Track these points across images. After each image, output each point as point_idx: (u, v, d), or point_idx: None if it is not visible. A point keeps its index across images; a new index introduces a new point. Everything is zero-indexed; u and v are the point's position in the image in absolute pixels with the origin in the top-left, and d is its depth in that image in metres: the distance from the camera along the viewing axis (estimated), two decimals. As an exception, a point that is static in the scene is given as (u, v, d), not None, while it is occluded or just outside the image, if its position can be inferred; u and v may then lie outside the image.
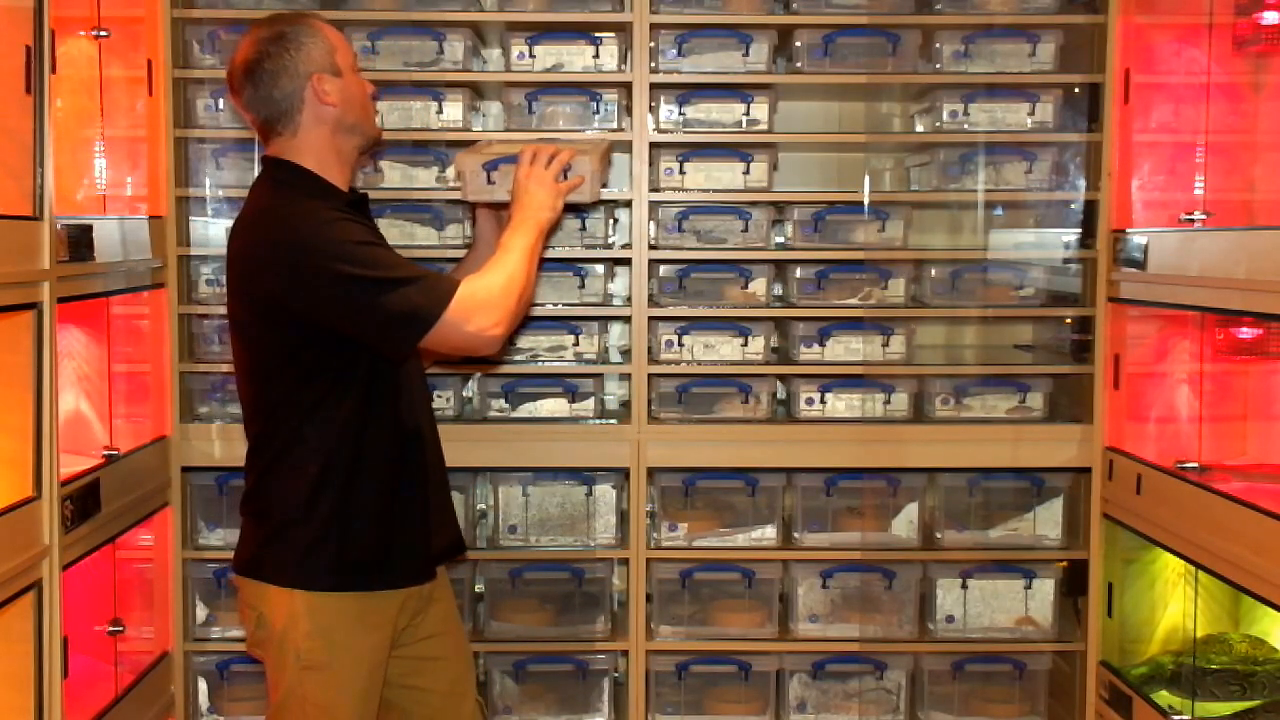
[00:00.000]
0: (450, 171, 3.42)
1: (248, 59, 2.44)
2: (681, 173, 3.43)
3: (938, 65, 3.44)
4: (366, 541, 2.43)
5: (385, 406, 2.43)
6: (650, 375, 3.41)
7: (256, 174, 2.58)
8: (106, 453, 3.03)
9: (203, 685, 3.48)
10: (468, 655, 2.73)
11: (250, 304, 2.42)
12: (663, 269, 3.45)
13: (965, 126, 3.44)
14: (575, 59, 3.41)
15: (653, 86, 3.37)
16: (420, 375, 2.59)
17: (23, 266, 2.56)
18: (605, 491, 3.48)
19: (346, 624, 2.42)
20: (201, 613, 3.47)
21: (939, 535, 3.51)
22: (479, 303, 2.32)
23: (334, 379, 2.39)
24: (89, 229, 2.85)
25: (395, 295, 2.28)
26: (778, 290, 3.58)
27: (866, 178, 3.55)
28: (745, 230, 3.47)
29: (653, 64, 3.36)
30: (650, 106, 3.38)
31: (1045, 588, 3.51)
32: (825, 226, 3.49)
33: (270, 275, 2.35)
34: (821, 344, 3.47)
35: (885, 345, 3.47)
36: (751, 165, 3.43)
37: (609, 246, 3.47)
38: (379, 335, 2.33)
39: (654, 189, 3.41)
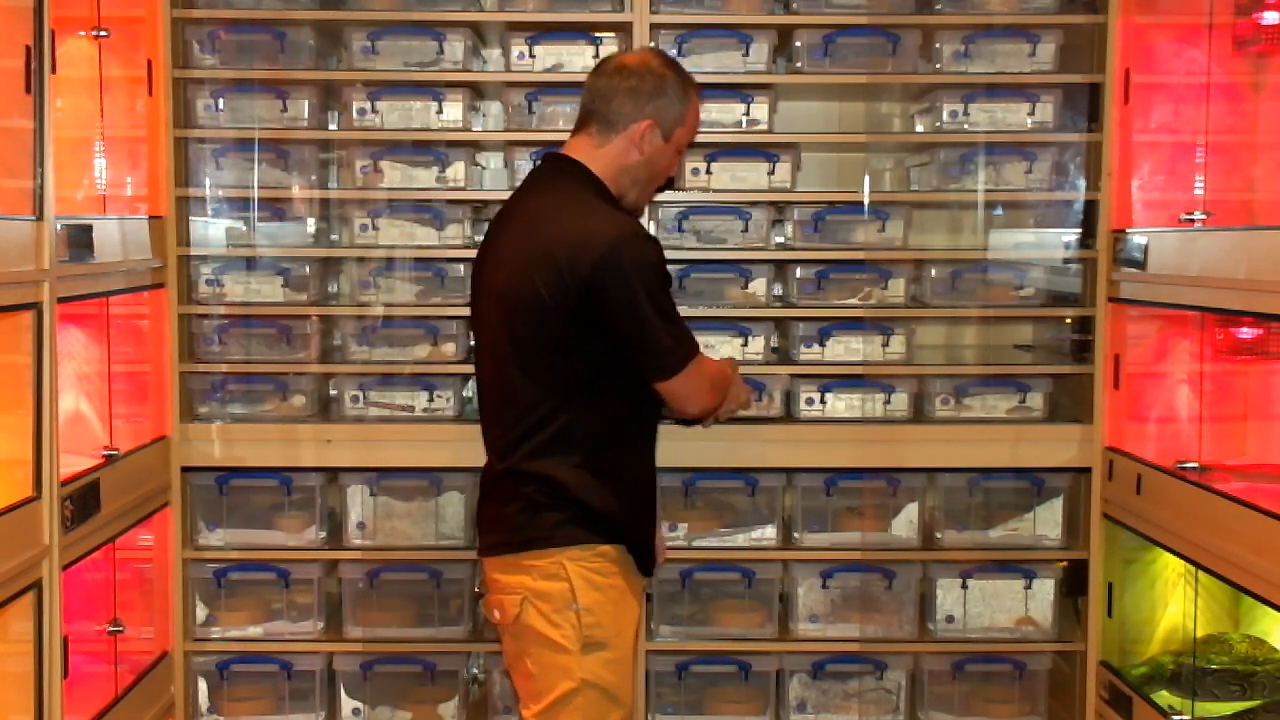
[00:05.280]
0: (450, 172, 3.42)
1: (632, 63, 2.62)
2: (708, 173, 3.43)
3: (938, 65, 3.44)
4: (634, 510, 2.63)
5: (642, 406, 2.63)
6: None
7: (538, 168, 2.77)
8: (106, 453, 3.03)
9: (203, 685, 3.48)
10: None
11: (561, 289, 2.47)
12: (663, 269, 3.45)
13: (965, 126, 3.44)
14: (575, 59, 3.41)
15: (653, 86, 3.37)
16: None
17: (23, 266, 2.56)
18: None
19: (616, 585, 2.54)
20: (201, 613, 3.47)
21: (939, 535, 3.51)
22: (720, 380, 2.69)
23: (610, 368, 2.54)
24: (89, 229, 2.85)
25: (673, 321, 2.55)
26: (778, 290, 3.58)
27: (866, 178, 3.55)
28: (745, 230, 3.47)
29: (653, 64, 3.36)
30: (650, 106, 3.38)
31: (1045, 588, 3.51)
32: (825, 226, 3.49)
33: (598, 267, 2.44)
34: (821, 344, 3.47)
35: (885, 345, 3.47)
36: (777, 166, 3.44)
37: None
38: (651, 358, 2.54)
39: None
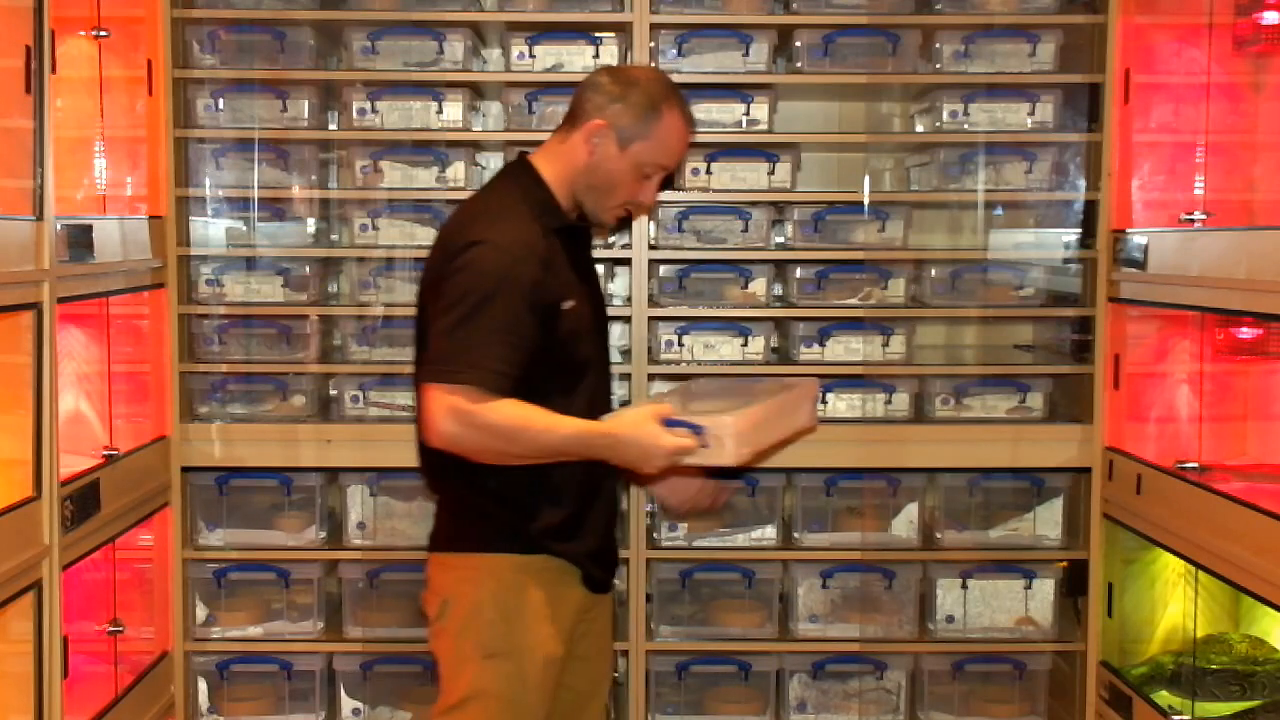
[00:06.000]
0: (450, 172, 3.42)
1: (618, 68, 2.54)
2: (709, 173, 3.43)
3: (938, 65, 3.44)
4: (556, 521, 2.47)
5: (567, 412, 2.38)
6: (650, 375, 3.41)
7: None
8: (106, 453, 3.03)
9: (203, 685, 3.48)
10: (610, 658, 2.74)
11: (434, 284, 2.41)
12: (663, 269, 3.46)
13: (965, 126, 3.44)
14: (575, 59, 3.41)
15: (653, 86, 3.37)
16: (605, 405, 2.57)
17: (23, 266, 2.56)
18: (605, 491, 3.48)
19: (533, 598, 2.42)
20: (201, 613, 3.47)
21: (939, 535, 3.51)
22: (478, 420, 2.27)
23: (528, 375, 2.36)
24: (89, 229, 2.86)
25: (457, 338, 2.29)
26: (778, 290, 3.58)
27: (866, 178, 3.55)
28: (745, 230, 3.47)
29: (653, 64, 3.36)
30: (650, 106, 3.38)
31: (1045, 588, 3.51)
32: (825, 226, 3.49)
33: (452, 262, 2.36)
34: (821, 344, 3.47)
35: (885, 345, 3.48)
36: (776, 166, 3.44)
37: (609, 246, 3.46)
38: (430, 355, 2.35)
39: (661, 188, 3.42)
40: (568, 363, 2.43)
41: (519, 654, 2.42)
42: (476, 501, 2.45)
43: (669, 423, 2.33)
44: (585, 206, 2.51)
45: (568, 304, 2.41)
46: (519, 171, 2.51)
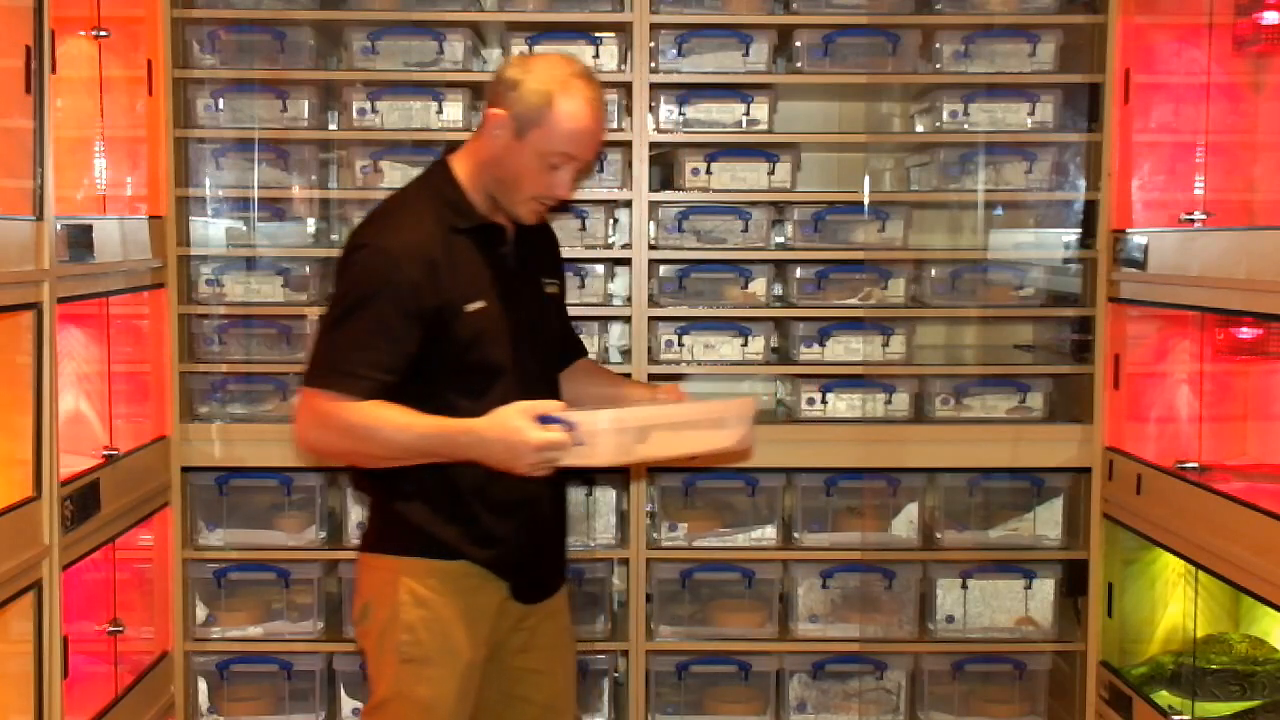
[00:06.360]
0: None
1: (526, 56, 2.42)
2: (708, 173, 3.43)
3: (938, 65, 3.45)
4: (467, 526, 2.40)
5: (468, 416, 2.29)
6: (650, 375, 3.41)
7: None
8: (106, 453, 3.03)
9: (203, 685, 3.48)
10: (571, 672, 2.67)
11: None
12: (663, 269, 3.46)
13: (965, 126, 3.44)
14: (575, 59, 3.41)
15: (653, 86, 3.38)
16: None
17: (23, 266, 2.56)
18: (605, 492, 3.48)
19: (450, 603, 2.38)
20: (201, 613, 3.47)
21: (939, 535, 3.51)
22: (334, 421, 2.25)
23: (429, 379, 2.33)
24: (89, 229, 2.86)
25: (328, 342, 2.29)
26: (778, 290, 3.58)
27: (866, 178, 3.55)
28: (745, 230, 3.47)
29: (653, 64, 3.36)
30: (650, 106, 3.38)
31: (1045, 588, 3.51)
32: (825, 226, 3.49)
33: (338, 264, 2.37)
34: (821, 344, 3.47)
35: (885, 345, 3.48)
36: (777, 166, 3.44)
37: (609, 246, 3.47)
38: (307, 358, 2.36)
39: (660, 188, 3.42)
40: (472, 365, 2.35)
41: (435, 659, 2.39)
42: (392, 504, 2.42)
43: (545, 419, 2.20)
44: (500, 202, 2.40)
45: (473, 306, 2.33)
46: (433, 171, 2.45)
